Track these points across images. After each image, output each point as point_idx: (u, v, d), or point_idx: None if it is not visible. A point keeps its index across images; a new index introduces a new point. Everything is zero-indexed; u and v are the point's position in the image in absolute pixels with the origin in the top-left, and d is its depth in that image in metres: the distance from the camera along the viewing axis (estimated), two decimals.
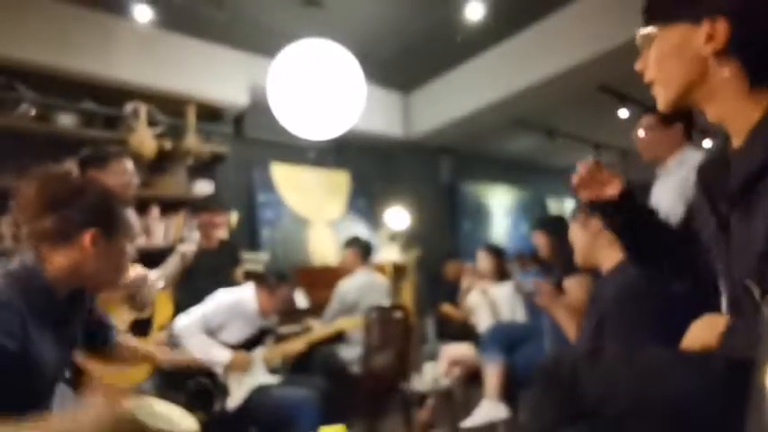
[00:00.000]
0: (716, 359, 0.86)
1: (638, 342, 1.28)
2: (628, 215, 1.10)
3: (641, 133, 2.15)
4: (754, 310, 0.75)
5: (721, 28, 0.76)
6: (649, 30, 0.88)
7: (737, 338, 0.82)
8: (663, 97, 0.89)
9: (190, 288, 2.66)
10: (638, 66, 0.92)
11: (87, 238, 1.13)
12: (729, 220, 0.82)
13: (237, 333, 2.47)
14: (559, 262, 2.37)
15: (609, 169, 1.11)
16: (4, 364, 0.99)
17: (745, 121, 0.78)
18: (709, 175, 0.92)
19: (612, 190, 1.08)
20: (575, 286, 2.17)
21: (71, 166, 2.40)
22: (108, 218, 1.19)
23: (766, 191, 0.71)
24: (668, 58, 0.85)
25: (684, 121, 2.07)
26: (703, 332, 0.92)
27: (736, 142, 0.83)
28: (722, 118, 0.83)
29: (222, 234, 3.01)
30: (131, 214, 1.27)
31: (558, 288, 2.21)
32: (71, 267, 1.13)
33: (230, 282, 2.93)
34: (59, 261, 1.12)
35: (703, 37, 0.78)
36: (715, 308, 0.96)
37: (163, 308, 2.30)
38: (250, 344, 2.47)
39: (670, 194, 1.88)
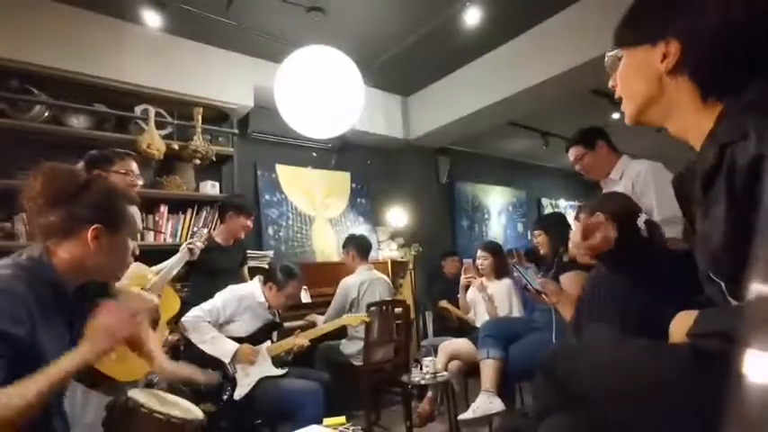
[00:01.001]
0: (684, 348, 0.93)
1: (602, 324, 1.39)
2: (629, 253, 1.18)
3: (573, 161, 2.37)
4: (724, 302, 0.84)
5: (673, 48, 0.85)
6: (615, 52, 0.99)
7: (712, 318, 0.89)
8: (628, 111, 0.98)
9: (204, 284, 2.75)
10: (610, 83, 1.02)
11: (90, 233, 1.15)
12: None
13: (245, 326, 2.56)
14: (558, 259, 2.47)
15: (596, 218, 1.18)
16: (13, 351, 0.99)
17: (701, 132, 0.86)
18: (681, 187, 0.99)
19: (610, 234, 1.16)
20: (568, 282, 2.28)
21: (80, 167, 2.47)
22: (111, 214, 1.20)
23: (718, 191, 0.78)
24: (630, 76, 0.95)
25: (602, 138, 2.30)
26: (678, 327, 0.99)
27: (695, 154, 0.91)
28: (682, 131, 0.91)
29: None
30: (135, 211, 1.30)
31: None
32: (75, 261, 1.16)
33: (239, 279, 3.03)
34: (64, 255, 1.15)
35: (659, 57, 0.87)
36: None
37: (169, 303, 2.33)
38: (257, 337, 2.57)
39: None
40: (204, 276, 2.86)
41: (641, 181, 2.03)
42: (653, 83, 0.89)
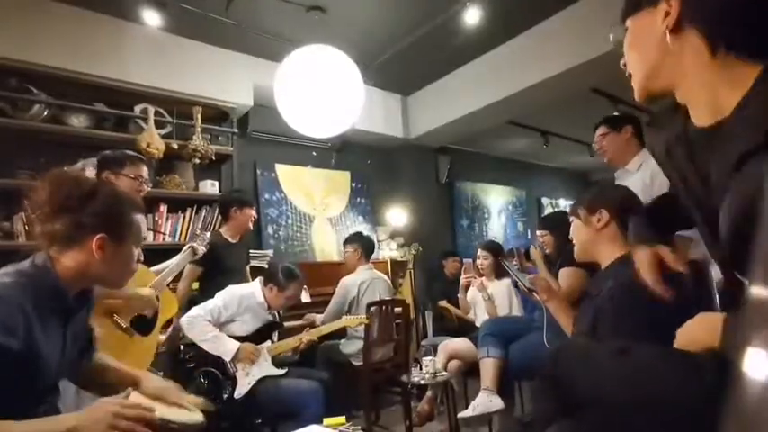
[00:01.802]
0: (705, 358, 0.88)
1: (629, 338, 1.27)
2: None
3: (597, 140, 2.38)
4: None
5: (674, 1, 0.79)
6: (620, 27, 0.93)
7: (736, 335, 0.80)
8: (636, 85, 0.91)
9: (215, 283, 2.75)
10: (621, 63, 0.96)
11: (95, 242, 1.14)
12: (718, 211, 0.80)
13: (246, 326, 2.56)
14: (563, 256, 2.45)
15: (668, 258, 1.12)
16: (5, 362, 0.98)
17: (714, 94, 0.78)
18: (677, 162, 0.92)
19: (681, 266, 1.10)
20: (565, 276, 2.31)
21: (85, 165, 2.47)
22: (117, 223, 1.20)
23: (745, 175, 0.71)
24: (636, 44, 0.90)
25: (631, 124, 2.30)
26: (700, 331, 0.93)
27: (704, 119, 0.82)
28: (690, 95, 0.84)
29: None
30: (141, 219, 1.29)
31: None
32: (79, 269, 1.15)
33: (243, 278, 3.03)
34: (69, 263, 1.14)
35: (662, 16, 0.81)
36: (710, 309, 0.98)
37: (167, 306, 2.31)
38: (257, 337, 2.57)
39: None
40: (215, 275, 2.86)
41: (661, 177, 1.97)
42: (658, 45, 0.84)
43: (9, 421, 0.96)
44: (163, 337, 2.54)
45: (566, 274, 2.31)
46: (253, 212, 3.11)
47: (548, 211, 7.20)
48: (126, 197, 1.31)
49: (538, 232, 2.81)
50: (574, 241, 1.72)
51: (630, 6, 0.90)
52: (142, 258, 1.32)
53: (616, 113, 2.42)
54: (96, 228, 1.15)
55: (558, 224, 2.70)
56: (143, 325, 2.11)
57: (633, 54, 0.91)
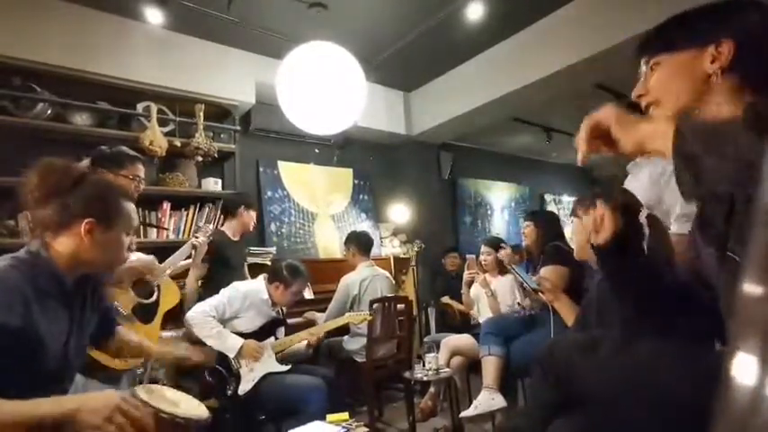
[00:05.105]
0: (704, 351, 0.91)
1: (613, 327, 1.33)
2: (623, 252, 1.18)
3: None
4: None
5: (725, 50, 0.86)
6: (656, 59, 0.97)
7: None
8: (667, 115, 0.94)
9: (221, 279, 2.78)
10: (636, 92, 1.00)
11: (84, 226, 1.17)
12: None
13: (249, 323, 2.57)
14: (544, 256, 2.52)
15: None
16: (5, 341, 1.01)
17: None
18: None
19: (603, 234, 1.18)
20: (547, 275, 2.35)
21: (86, 164, 2.47)
22: (105, 209, 1.22)
23: None
24: (674, 80, 0.94)
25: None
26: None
27: None
28: None
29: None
30: (131, 207, 1.30)
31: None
32: (70, 254, 1.18)
33: (243, 275, 3.05)
34: (60, 248, 1.17)
35: (709, 58, 0.88)
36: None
37: (168, 294, 2.33)
38: (261, 333, 2.58)
39: (641, 188, 1.89)
40: (218, 271, 2.89)
41: (669, 170, 1.93)
42: (699, 84, 0.90)
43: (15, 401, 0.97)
44: (168, 334, 2.55)
45: (547, 271, 2.35)
46: (254, 214, 3.19)
47: (551, 207, 7.18)
48: (114, 185, 1.33)
49: (524, 223, 2.85)
50: (574, 240, 1.73)
51: (663, 44, 0.95)
52: (134, 247, 1.33)
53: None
54: (84, 212, 1.18)
55: (545, 220, 2.73)
56: (144, 313, 2.12)
57: (668, 89, 0.95)
